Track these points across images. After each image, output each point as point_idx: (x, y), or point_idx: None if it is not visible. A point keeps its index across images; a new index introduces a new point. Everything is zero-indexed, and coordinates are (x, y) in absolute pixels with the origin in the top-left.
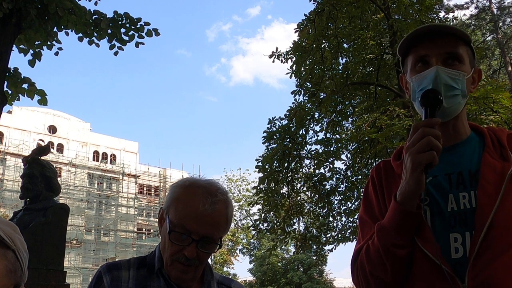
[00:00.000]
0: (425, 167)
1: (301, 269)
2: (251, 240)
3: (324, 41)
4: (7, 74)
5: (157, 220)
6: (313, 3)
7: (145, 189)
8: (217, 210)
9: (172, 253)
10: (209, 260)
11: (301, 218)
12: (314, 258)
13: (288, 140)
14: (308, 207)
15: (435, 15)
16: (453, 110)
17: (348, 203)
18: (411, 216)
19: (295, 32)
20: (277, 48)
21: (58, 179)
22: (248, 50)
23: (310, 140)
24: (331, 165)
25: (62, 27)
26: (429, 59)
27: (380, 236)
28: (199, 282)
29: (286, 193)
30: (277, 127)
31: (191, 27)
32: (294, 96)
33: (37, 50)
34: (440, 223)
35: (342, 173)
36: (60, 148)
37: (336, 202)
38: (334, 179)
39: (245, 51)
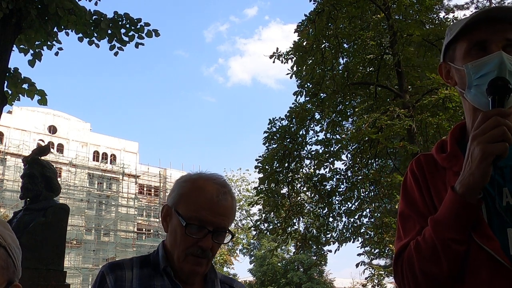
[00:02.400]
0: (495, 159)
1: (301, 269)
2: (251, 240)
3: (324, 41)
4: (7, 74)
5: (157, 220)
6: (313, 3)
7: (145, 189)
8: (227, 200)
9: (187, 247)
10: None
11: (301, 218)
12: (314, 258)
13: (288, 140)
14: (308, 207)
15: (435, 15)
16: None
17: (349, 203)
18: (472, 208)
19: (295, 32)
20: (277, 49)
21: (58, 179)
22: (245, 50)
23: (310, 140)
24: (331, 166)
25: (62, 27)
26: (488, 45)
27: (436, 231)
28: (202, 281)
29: (287, 193)
30: (277, 127)
31: (188, 27)
32: (295, 97)
33: (37, 50)
34: (496, 218)
35: (343, 173)
36: (60, 148)
37: (336, 202)
38: (334, 179)
39: (242, 52)
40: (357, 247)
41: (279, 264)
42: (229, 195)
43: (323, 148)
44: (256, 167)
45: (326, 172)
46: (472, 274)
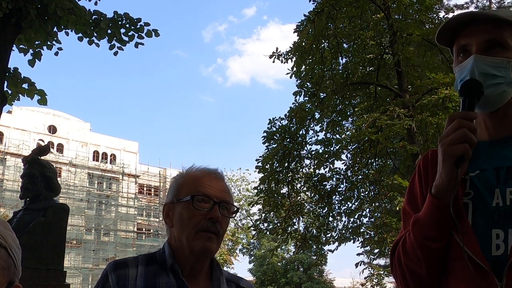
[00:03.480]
0: (457, 160)
1: (301, 269)
2: (251, 240)
3: (324, 41)
4: (7, 74)
5: (157, 220)
6: (313, 3)
7: (145, 189)
8: (222, 179)
9: (196, 223)
10: None
11: (301, 218)
12: (314, 258)
13: (288, 140)
14: (308, 207)
15: (435, 15)
16: (497, 100)
17: (348, 203)
18: (446, 209)
19: (295, 32)
20: (277, 49)
21: (58, 179)
22: (244, 50)
23: (310, 140)
24: (331, 165)
25: (62, 27)
26: (470, 48)
27: (414, 229)
28: (208, 279)
29: (286, 193)
30: (277, 127)
31: (187, 27)
32: (295, 97)
33: (37, 50)
34: (483, 218)
35: (342, 173)
36: (60, 148)
37: (336, 202)
38: (334, 179)
39: (241, 52)
40: (357, 247)
41: (279, 263)
42: (223, 179)
43: (323, 148)
44: (257, 167)
45: (326, 172)
46: (453, 273)
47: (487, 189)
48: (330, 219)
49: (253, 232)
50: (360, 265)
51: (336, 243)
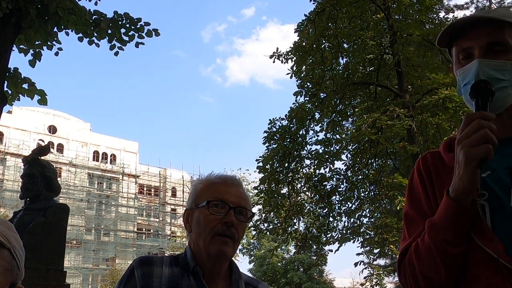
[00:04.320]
0: (480, 162)
1: (301, 269)
2: (251, 240)
3: (324, 41)
4: (7, 74)
5: (157, 220)
6: (313, 3)
7: (145, 189)
8: (240, 185)
9: (212, 227)
10: None
11: (302, 218)
12: (314, 258)
13: (288, 140)
14: (308, 207)
15: (435, 15)
16: (503, 103)
17: (348, 203)
18: (466, 212)
19: (295, 32)
20: (277, 49)
21: (58, 179)
22: (243, 51)
23: (310, 140)
24: (331, 166)
25: (62, 27)
26: (472, 51)
27: (431, 234)
28: (227, 282)
29: (287, 193)
30: (277, 127)
31: (186, 28)
32: (296, 97)
33: (37, 50)
34: (501, 219)
35: (343, 173)
36: (60, 148)
37: (336, 202)
38: (334, 179)
39: (240, 52)
40: (357, 247)
41: (279, 264)
42: (241, 185)
43: (323, 148)
44: (258, 167)
45: (326, 172)
46: (475, 278)
47: (502, 189)
48: (330, 219)
49: (253, 232)
50: (360, 264)
51: (337, 244)
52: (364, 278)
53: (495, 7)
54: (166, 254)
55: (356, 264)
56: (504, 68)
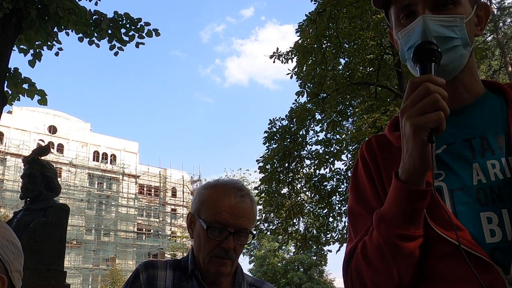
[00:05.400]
0: (430, 133)
1: (301, 270)
2: (251, 240)
3: (325, 41)
4: (7, 74)
5: (157, 220)
6: (314, 3)
7: (145, 189)
8: (246, 202)
9: (210, 250)
10: None
11: (302, 219)
12: (314, 258)
13: (288, 140)
14: (308, 207)
15: None
16: (456, 66)
17: None
18: (420, 195)
19: (296, 32)
20: (277, 49)
21: (58, 179)
22: (242, 51)
23: (311, 140)
24: (331, 166)
25: (63, 27)
26: (415, 8)
27: (380, 227)
28: (231, 284)
29: (287, 193)
30: (277, 127)
31: (185, 28)
32: (297, 97)
33: (37, 50)
34: (464, 201)
35: (343, 173)
36: (60, 148)
37: (336, 202)
38: (334, 179)
39: (239, 52)
40: None
41: (279, 264)
42: (247, 197)
43: (323, 148)
44: (259, 168)
45: (326, 172)
46: (437, 277)
47: (462, 165)
48: (331, 219)
49: (254, 232)
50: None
51: (337, 244)
52: None
53: (496, 7)
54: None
55: None
56: (455, 24)
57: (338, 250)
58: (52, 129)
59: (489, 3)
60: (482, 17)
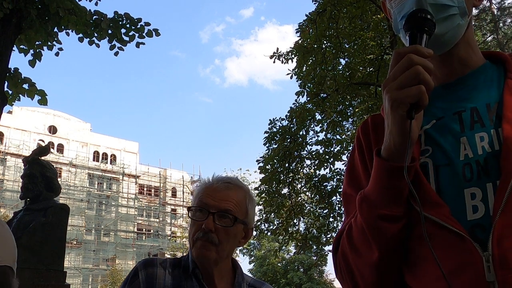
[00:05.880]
0: (409, 108)
1: (301, 270)
2: (251, 241)
3: (325, 41)
4: (7, 74)
5: (157, 220)
6: (314, 3)
7: (145, 189)
8: (230, 188)
9: (194, 232)
10: None
11: (302, 219)
12: (315, 258)
13: (288, 140)
14: (309, 207)
15: None
16: (452, 36)
17: None
18: (402, 173)
19: (296, 32)
20: (277, 49)
21: (58, 179)
22: (241, 51)
23: (311, 140)
24: (331, 166)
25: (63, 27)
26: None
27: (362, 209)
28: (231, 284)
29: (287, 193)
30: (277, 127)
31: (184, 28)
32: (297, 97)
33: (37, 50)
34: (448, 177)
35: (343, 173)
36: (61, 149)
37: (337, 202)
38: (335, 179)
39: (238, 53)
40: None
41: (279, 264)
42: (236, 187)
43: (323, 149)
44: (260, 168)
45: (326, 172)
46: (422, 260)
47: (450, 140)
48: (331, 219)
49: (254, 233)
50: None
51: None
52: None
53: (496, 8)
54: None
55: None
56: None
57: None
58: (52, 129)
59: (489, 4)
60: None
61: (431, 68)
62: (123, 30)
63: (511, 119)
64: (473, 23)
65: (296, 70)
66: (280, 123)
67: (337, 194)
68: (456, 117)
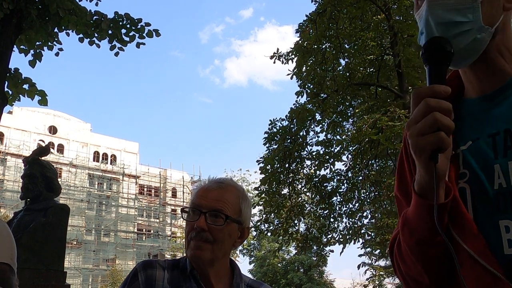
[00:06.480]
0: (432, 154)
1: (302, 270)
2: (251, 241)
3: (325, 42)
4: (7, 74)
5: (157, 220)
6: (314, 4)
7: (145, 189)
8: (223, 188)
9: (188, 233)
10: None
11: (302, 219)
12: (315, 259)
13: (289, 141)
14: (309, 208)
15: None
16: (469, 52)
17: (349, 204)
18: (435, 209)
19: (296, 32)
20: (277, 49)
21: (59, 179)
22: (241, 52)
23: (311, 141)
24: (332, 166)
25: (63, 27)
26: None
27: (404, 232)
28: (229, 285)
29: (287, 194)
30: (277, 128)
31: (183, 29)
32: (297, 97)
33: (37, 50)
34: (484, 206)
35: (343, 174)
36: (61, 149)
37: (337, 203)
38: (335, 180)
39: (238, 53)
40: (358, 248)
41: (279, 264)
42: (226, 185)
43: (323, 149)
44: (260, 168)
45: (326, 173)
46: (461, 279)
47: (484, 166)
48: (331, 220)
49: (254, 233)
50: (362, 266)
51: (338, 244)
52: (367, 279)
53: None
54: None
55: (359, 266)
56: (464, 5)
57: (342, 251)
58: (53, 130)
59: None
60: None
61: (449, 108)
62: (123, 31)
63: None
64: None
65: (296, 70)
66: (281, 123)
67: (337, 194)
68: (490, 140)
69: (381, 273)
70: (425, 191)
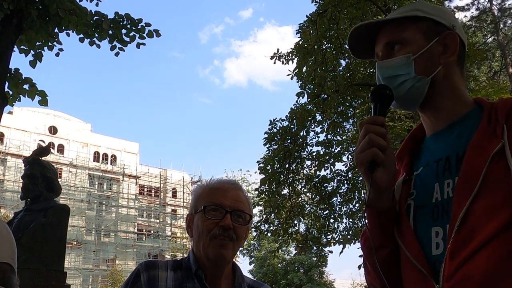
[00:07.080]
0: (369, 166)
1: (302, 271)
2: (251, 241)
3: (326, 42)
4: (8, 74)
5: (157, 221)
6: (315, 4)
7: (145, 190)
8: (238, 189)
9: (209, 230)
10: None
11: (302, 219)
12: (315, 259)
13: (289, 141)
14: (309, 208)
15: None
16: (410, 97)
17: (349, 204)
18: (379, 216)
19: (297, 33)
20: (278, 50)
21: (59, 179)
22: (241, 52)
23: (311, 141)
24: (332, 167)
25: (63, 28)
26: (379, 55)
27: (361, 242)
28: (231, 286)
29: (287, 194)
30: (277, 128)
31: (183, 29)
32: (298, 98)
33: (38, 50)
34: (422, 217)
35: (343, 174)
36: (61, 149)
37: (337, 203)
38: (335, 180)
39: (238, 54)
40: (358, 248)
41: (279, 265)
42: (240, 187)
43: (324, 149)
44: (259, 168)
45: (327, 173)
46: (406, 284)
47: (427, 185)
48: (331, 220)
49: (254, 233)
50: (363, 267)
51: (338, 245)
52: None
53: (496, 9)
54: (166, 255)
55: (359, 267)
56: (399, 63)
57: (341, 251)
58: (53, 130)
59: (489, 5)
60: (449, 45)
61: (384, 132)
62: (123, 31)
63: (466, 170)
64: (473, 24)
65: (296, 71)
66: (281, 123)
67: (338, 195)
68: (434, 165)
69: None
70: (372, 201)
